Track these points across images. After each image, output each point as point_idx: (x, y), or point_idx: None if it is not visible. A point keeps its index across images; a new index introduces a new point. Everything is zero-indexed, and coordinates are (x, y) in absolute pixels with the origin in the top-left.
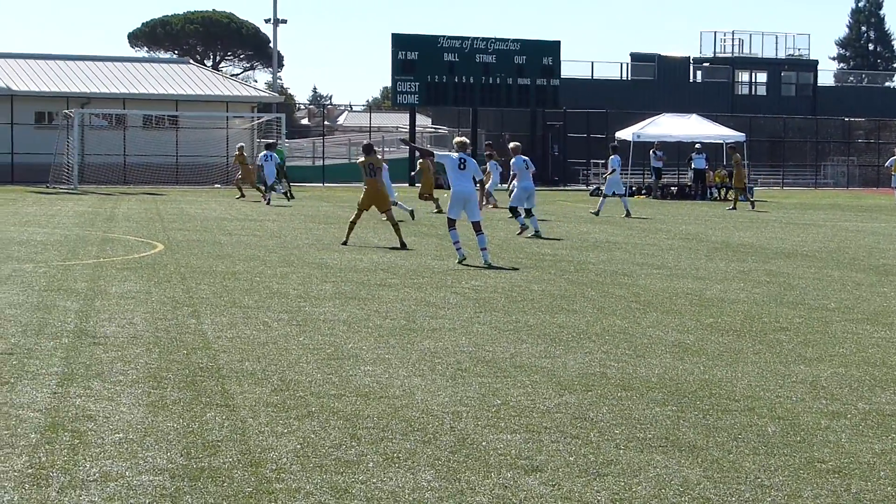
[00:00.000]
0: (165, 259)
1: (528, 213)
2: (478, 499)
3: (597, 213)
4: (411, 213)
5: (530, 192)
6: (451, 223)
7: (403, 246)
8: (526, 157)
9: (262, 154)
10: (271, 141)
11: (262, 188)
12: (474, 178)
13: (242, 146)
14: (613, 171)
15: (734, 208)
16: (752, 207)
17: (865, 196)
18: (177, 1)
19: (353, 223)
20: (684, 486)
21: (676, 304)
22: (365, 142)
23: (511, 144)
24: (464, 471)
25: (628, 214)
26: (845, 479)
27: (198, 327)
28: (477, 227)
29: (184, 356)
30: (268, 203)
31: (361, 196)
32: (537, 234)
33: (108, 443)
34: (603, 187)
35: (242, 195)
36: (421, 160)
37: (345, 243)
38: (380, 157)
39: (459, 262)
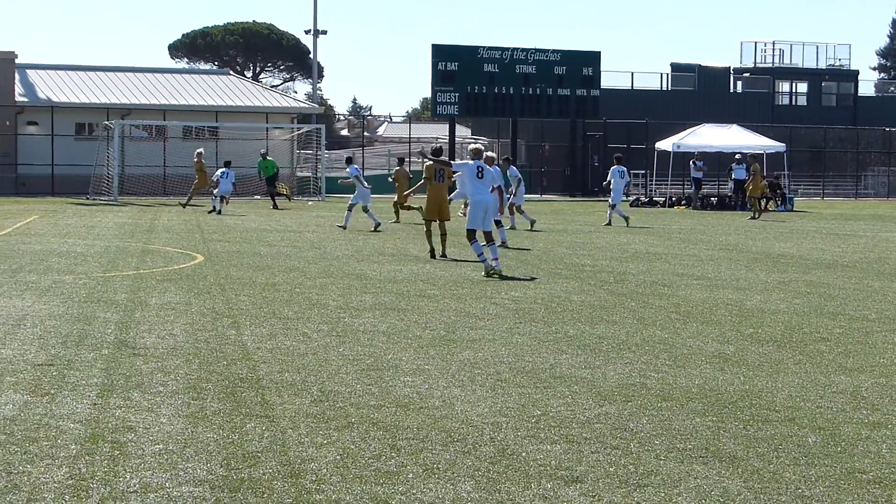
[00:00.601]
0: (205, 270)
1: (498, 224)
2: None
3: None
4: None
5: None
6: (472, 234)
7: (444, 256)
8: (482, 165)
9: (220, 171)
10: (228, 160)
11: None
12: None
13: (201, 152)
14: (609, 181)
15: (755, 217)
16: (757, 217)
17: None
18: (217, 12)
19: (429, 233)
20: (725, 497)
21: (716, 314)
22: (434, 145)
23: (471, 146)
24: (504, 481)
25: (609, 224)
26: (886, 489)
27: (237, 338)
28: (489, 236)
29: (224, 367)
30: (217, 213)
31: (426, 204)
32: (503, 244)
33: (147, 454)
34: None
35: (188, 203)
36: (398, 168)
37: (436, 255)
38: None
39: (487, 275)
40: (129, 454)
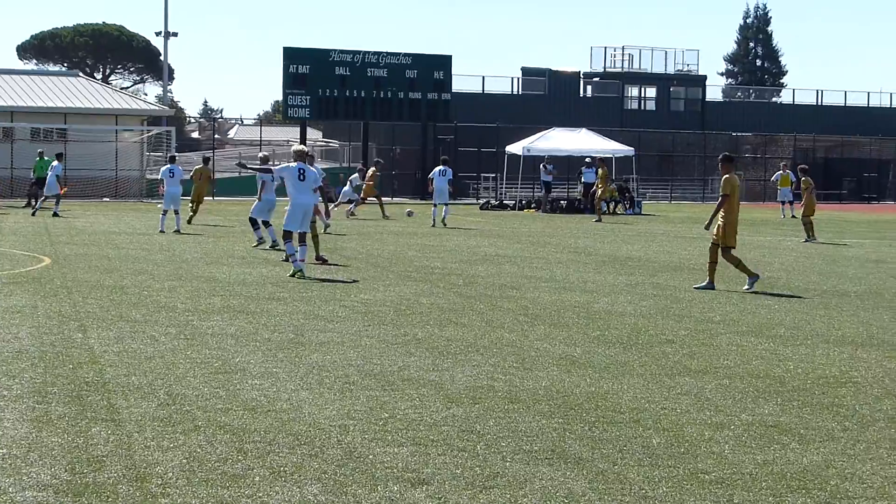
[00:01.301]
0: (52, 273)
1: (266, 224)
2: None
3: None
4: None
5: (272, 205)
6: (288, 234)
7: (320, 259)
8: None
9: (56, 164)
10: (60, 152)
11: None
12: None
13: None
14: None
15: (599, 220)
16: (600, 220)
17: (752, 210)
18: (67, 14)
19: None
20: (569, 498)
21: (564, 316)
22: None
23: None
24: (350, 484)
25: (441, 225)
26: (728, 489)
27: (84, 342)
28: (302, 237)
29: (70, 371)
30: (53, 214)
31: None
32: (274, 245)
33: None
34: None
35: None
36: (200, 167)
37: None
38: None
39: (293, 276)
40: None
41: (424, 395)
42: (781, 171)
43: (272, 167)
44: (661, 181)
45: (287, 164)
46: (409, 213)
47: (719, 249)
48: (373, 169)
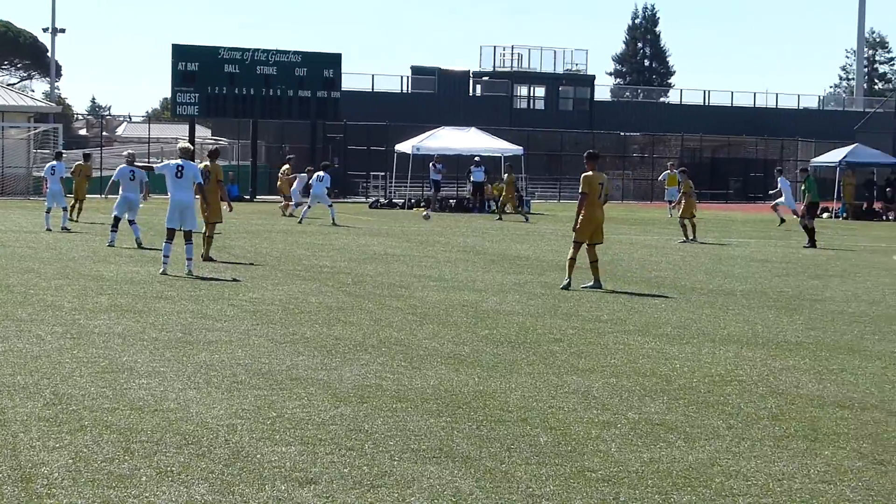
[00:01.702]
0: None
1: (131, 222)
2: None
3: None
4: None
5: (132, 202)
6: (171, 233)
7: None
8: (184, 164)
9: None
10: None
11: None
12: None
13: None
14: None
15: (500, 218)
16: (527, 220)
17: (640, 210)
18: None
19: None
20: (457, 497)
21: (453, 315)
22: (212, 147)
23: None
24: (238, 483)
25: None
26: (614, 487)
27: None
28: (188, 236)
29: None
30: None
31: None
32: (139, 244)
33: None
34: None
35: None
36: (80, 162)
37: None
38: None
39: (162, 273)
40: None
41: (312, 394)
42: (668, 171)
43: (154, 165)
44: (550, 180)
45: (167, 163)
46: (427, 217)
47: (593, 247)
48: (286, 166)
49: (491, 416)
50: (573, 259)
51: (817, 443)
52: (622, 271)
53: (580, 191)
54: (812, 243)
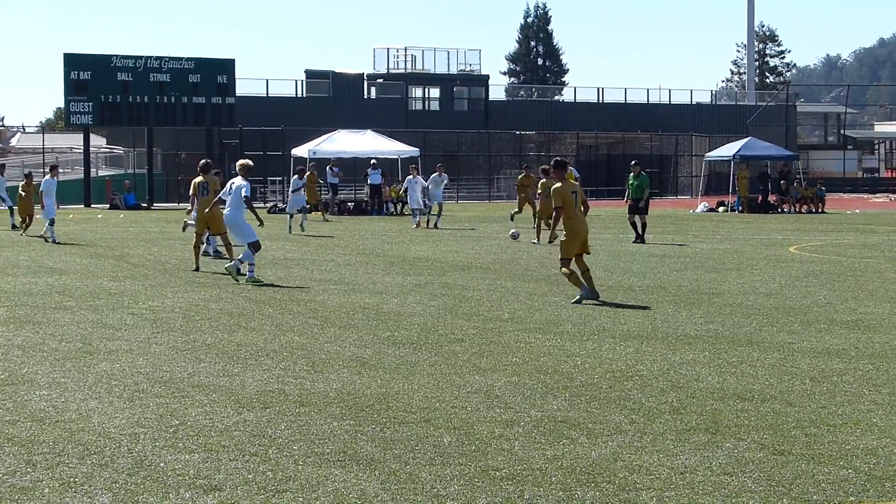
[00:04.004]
0: None
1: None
2: None
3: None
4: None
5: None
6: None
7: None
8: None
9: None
10: None
11: None
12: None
13: None
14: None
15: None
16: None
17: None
18: None
19: (196, 247)
20: (362, 499)
21: (354, 318)
22: (203, 160)
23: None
24: (142, 493)
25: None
26: (519, 485)
27: None
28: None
29: None
30: None
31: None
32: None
33: None
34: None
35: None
36: None
37: (196, 269)
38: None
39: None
40: None
41: (215, 400)
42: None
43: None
44: (448, 181)
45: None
46: (515, 236)
47: (580, 257)
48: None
49: (394, 418)
50: (570, 271)
51: (718, 435)
52: (521, 270)
53: (554, 206)
54: (638, 239)
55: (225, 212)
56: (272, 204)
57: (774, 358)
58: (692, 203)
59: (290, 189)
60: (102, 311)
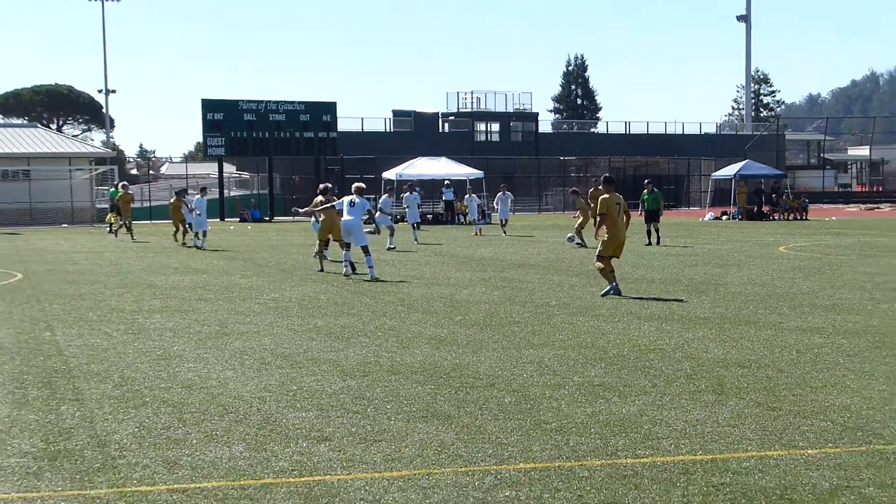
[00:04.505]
0: (24, 285)
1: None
2: (280, 464)
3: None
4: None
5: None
6: (347, 245)
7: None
8: (357, 199)
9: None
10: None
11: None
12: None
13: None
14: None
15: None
16: (479, 231)
17: (578, 218)
18: (26, 76)
19: (319, 254)
20: (441, 447)
21: (433, 305)
22: (323, 185)
23: (356, 185)
24: (269, 443)
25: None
26: (565, 435)
27: (52, 339)
28: (366, 250)
29: (41, 362)
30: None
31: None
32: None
33: None
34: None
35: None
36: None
37: (321, 271)
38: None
39: (346, 276)
40: None
41: (325, 370)
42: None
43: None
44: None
45: (343, 199)
46: (571, 239)
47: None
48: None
49: (466, 383)
50: (603, 266)
51: (723, 395)
52: (565, 267)
53: (599, 212)
54: (650, 242)
55: (346, 219)
56: (366, 217)
57: (767, 334)
58: (701, 213)
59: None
60: (235, 302)
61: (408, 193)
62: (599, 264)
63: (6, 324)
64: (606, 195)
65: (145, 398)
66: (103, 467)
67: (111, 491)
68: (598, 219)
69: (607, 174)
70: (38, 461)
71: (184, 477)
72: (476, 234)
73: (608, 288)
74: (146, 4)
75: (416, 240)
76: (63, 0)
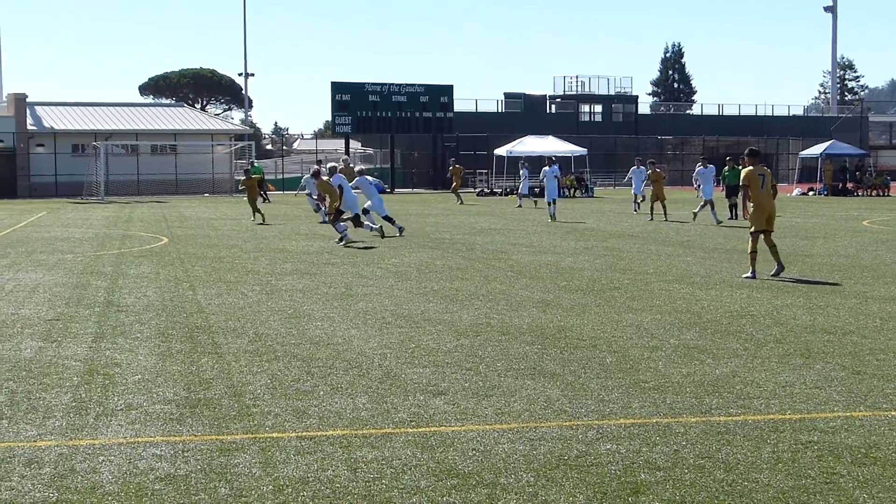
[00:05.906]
0: (169, 249)
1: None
2: (399, 416)
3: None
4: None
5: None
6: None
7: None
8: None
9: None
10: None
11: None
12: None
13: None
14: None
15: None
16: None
17: (674, 192)
18: (174, 61)
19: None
20: (547, 402)
21: (540, 272)
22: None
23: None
24: (389, 396)
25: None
26: (662, 393)
27: (194, 297)
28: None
29: (184, 318)
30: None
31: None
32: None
33: (130, 382)
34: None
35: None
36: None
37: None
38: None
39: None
40: (116, 383)
41: (440, 330)
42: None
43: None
44: (607, 173)
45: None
46: (519, 206)
47: (768, 234)
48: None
49: (570, 344)
50: (754, 252)
51: (810, 359)
52: (662, 237)
53: (742, 184)
54: (732, 216)
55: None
56: (480, 189)
57: (852, 303)
58: (789, 189)
59: (543, 179)
60: (359, 266)
61: (547, 167)
62: (751, 248)
63: (153, 283)
64: (749, 168)
65: (277, 353)
66: (239, 415)
67: (246, 437)
68: (741, 192)
69: (752, 147)
70: (180, 408)
71: (311, 425)
72: (518, 206)
73: (749, 272)
74: None
75: (552, 216)
76: None
